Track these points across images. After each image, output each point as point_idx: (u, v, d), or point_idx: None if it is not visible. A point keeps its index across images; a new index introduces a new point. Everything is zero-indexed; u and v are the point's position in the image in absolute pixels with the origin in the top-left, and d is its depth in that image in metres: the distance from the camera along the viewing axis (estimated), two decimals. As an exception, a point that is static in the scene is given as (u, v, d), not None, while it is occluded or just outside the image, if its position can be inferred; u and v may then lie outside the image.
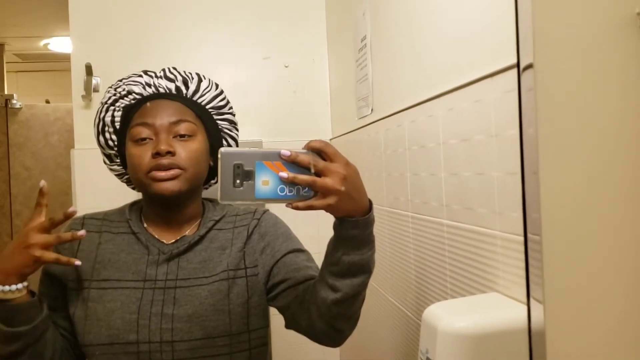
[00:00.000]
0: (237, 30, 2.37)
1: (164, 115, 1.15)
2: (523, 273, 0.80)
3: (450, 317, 0.79)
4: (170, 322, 1.09)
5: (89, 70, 2.18)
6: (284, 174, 0.84)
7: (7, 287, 1.02)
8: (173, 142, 1.13)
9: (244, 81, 2.36)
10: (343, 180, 0.85)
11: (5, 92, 3.64)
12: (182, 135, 1.15)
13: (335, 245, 0.96)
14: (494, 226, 0.89)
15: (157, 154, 1.11)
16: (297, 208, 0.86)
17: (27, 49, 4.04)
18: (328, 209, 0.88)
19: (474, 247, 0.98)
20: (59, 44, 3.93)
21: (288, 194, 0.85)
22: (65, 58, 3.68)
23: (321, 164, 0.85)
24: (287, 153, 0.84)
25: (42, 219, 1.04)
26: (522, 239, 0.79)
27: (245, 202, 0.84)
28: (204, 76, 1.26)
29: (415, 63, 1.27)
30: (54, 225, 1.04)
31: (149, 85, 1.19)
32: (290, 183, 0.84)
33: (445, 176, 1.09)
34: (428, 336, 0.82)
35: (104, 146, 1.22)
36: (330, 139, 2.37)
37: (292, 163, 0.84)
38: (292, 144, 0.88)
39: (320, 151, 0.87)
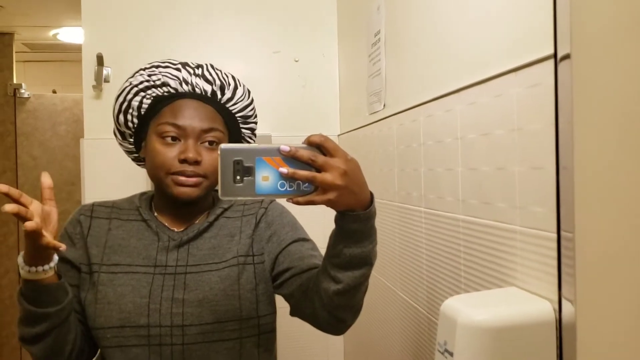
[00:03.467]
0: (247, 23, 2.38)
1: (196, 120, 1.15)
2: (543, 268, 0.81)
3: (470, 310, 0.79)
4: (181, 307, 1.11)
5: (100, 60, 2.18)
6: (284, 170, 0.84)
7: (33, 268, 1.02)
8: (200, 149, 1.14)
9: (254, 75, 2.36)
10: (343, 175, 0.85)
11: (14, 82, 3.64)
12: (210, 143, 1.16)
13: (336, 238, 0.97)
14: (514, 221, 0.89)
15: (184, 161, 1.12)
16: (297, 203, 0.86)
17: (36, 38, 4.03)
18: (328, 203, 0.88)
19: (491, 242, 0.98)
20: (68, 34, 3.92)
21: (288, 189, 0.85)
22: (74, 48, 3.70)
23: (321, 159, 0.85)
24: (287, 149, 0.84)
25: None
26: (544, 233, 0.80)
27: (246, 197, 0.85)
28: (239, 82, 1.26)
29: (433, 58, 1.27)
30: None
31: (186, 83, 1.18)
32: (290, 178, 0.84)
33: (462, 171, 1.09)
34: (447, 329, 0.82)
35: (121, 124, 1.22)
36: (339, 135, 2.37)
37: (292, 158, 0.85)
38: (300, 139, 0.88)
39: (320, 146, 0.87)
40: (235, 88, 1.23)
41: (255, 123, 1.30)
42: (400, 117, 1.50)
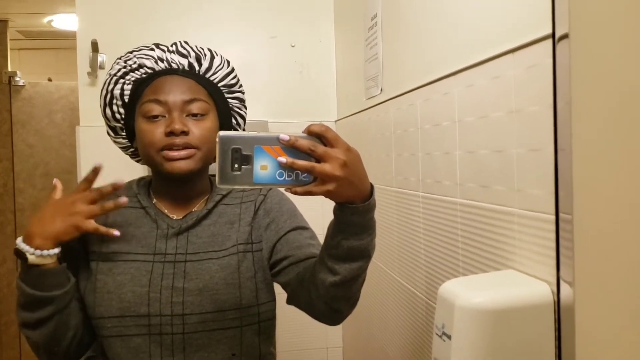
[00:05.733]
0: (244, 8, 2.36)
1: (177, 93, 1.14)
2: (541, 250, 0.80)
3: (468, 292, 0.79)
4: (181, 296, 1.10)
5: (94, 47, 2.16)
6: (283, 159, 0.82)
7: (45, 252, 1.04)
8: (186, 121, 1.13)
9: (250, 60, 2.35)
10: (343, 166, 0.84)
11: (9, 70, 3.61)
12: (194, 115, 1.14)
13: (334, 230, 0.96)
14: (512, 204, 0.89)
15: (171, 133, 1.11)
16: (295, 193, 0.85)
17: (31, 25, 4.00)
18: (327, 194, 0.87)
19: (489, 225, 0.97)
20: (62, 21, 3.89)
21: (287, 179, 0.84)
22: (68, 36, 3.66)
23: (320, 149, 0.84)
24: (286, 138, 0.83)
25: (87, 190, 1.10)
26: (542, 215, 0.80)
27: (244, 186, 0.84)
28: (215, 52, 1.25)
29: (430, 41, 1.26)
30: (102, 197, 1.08)
31: (162, 60, 1.18)
32: (288, 168, 0.83)
33: (460, 154, 1.09)
34: (445, 311, 0.82)
35: (110, 119, 1.21)
36: (336, 120, 2.36)
37: (291, 148, 0.83)
38: (298, 125, 0.87)
39: (320, 136, 0.85)
40: (212, 58, 1.22)
41: (242, 93, 1.27)
42: (398, 102, 1.49)
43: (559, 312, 0.69)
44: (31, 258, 1.04)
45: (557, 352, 0.73)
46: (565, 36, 0.60)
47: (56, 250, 1.05)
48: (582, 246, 0.63)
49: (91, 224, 1.07)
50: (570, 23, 0.58)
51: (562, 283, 0.65)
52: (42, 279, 1.05)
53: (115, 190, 1.09)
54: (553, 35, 0.63)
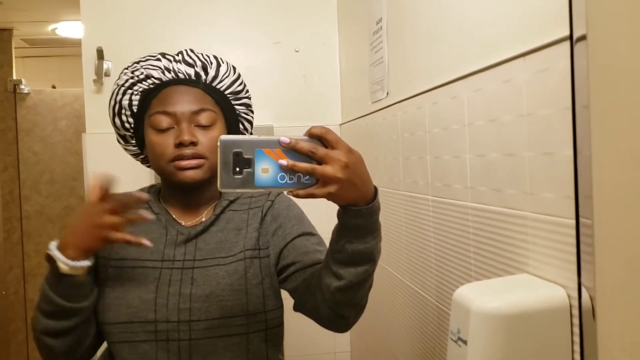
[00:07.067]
0: (247, 14, 2.36)
1: (185, 103, 1.15)
2: (555, 253, 0.80)
3: (483, 297, 0.79)
4: (188, 302, 1.11)
5: (100, 54, 2.17)
6: (284, 162, 0.82)
7: (78, 264, 1.03)
8: (194, 131, 1.14)
9: (254, 65, 2.35)
10: (344, 168, 0.84)
11: (14, 78, 3.63)
12: (203, 125, 1.15)
13: (338, 233, 0.96)
14: (525, 207, 0.89)
15: (180, 144, 1.12)
16: (297, 196, 0.85)
17: (35, 34, 4.01)
18: (329, 197, 0.86)
19: (502, 229, 0.97)
20: (66, 28, 3.90)
21: (288, 181, 0.84)
22: (73, 43, 3.68)
23: (321, 151, 0.84)
24: (287, 140, 0.83)
25: (107, 200, 1.04)
26: (556, 219, 0.79)
27: (245, 190, 0.83)
28: (221, 59, 1.25)
29: (437, 45, 1.26)
30: (124, 208, 1.05)
31: (168, 70, 1.19)
32: (290, 171, 0.83)
33: (470, 158, 1.08)
34: (460, 317, 0.81)
35: (119, 128, 1.23)
36: (341, 124, 2.36)
37: (292, 150, 0.83)
38: (303, 129, 0.87)
39: (321, 138, 0.85)
40: (218, 66, 1.23)
41: (249, 98, 1.28)
42: (404, 105, 1.49)
43: (581, 318, 0.68)
44: (64, 268, 1.02)
45: (580, 358, 0.72)
46: (583, 37, 0.59)
47: (89, 262, 1.05)
48: (603, 251, 0.62)
49: (119, 234, 1.04)
50: (587, 24, 0.58)
51: (582, 289, 0.65)
52: (72, 289, 1.05)
53: (139, 203, 1.06)
54: (571, 36, 0.62)
